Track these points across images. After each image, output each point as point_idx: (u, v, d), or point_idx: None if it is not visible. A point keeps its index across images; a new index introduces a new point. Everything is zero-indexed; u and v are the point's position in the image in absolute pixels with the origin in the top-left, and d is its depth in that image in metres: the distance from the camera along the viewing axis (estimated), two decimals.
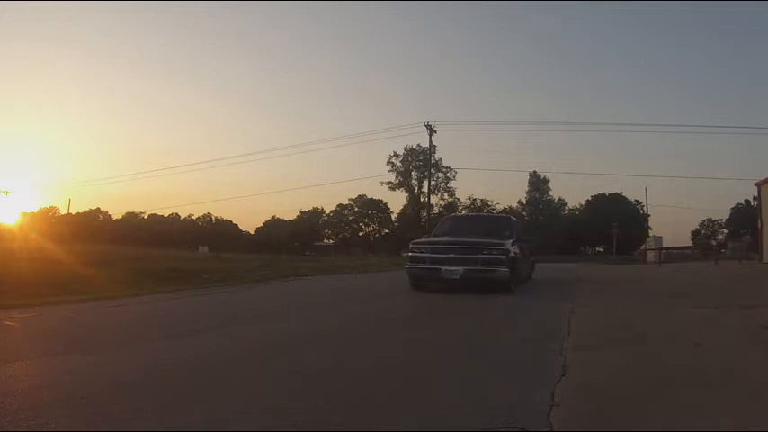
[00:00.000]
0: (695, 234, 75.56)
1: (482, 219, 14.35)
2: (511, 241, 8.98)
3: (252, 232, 76.06)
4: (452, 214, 20.62)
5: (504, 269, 8.20)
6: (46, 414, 2.17)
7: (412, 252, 8.96)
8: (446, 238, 9.29)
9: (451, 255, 8.40)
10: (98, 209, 72.24)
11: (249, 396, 2.51)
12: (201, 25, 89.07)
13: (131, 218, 73.71)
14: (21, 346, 3.84)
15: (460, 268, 8.22)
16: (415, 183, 62.28)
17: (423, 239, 9.62)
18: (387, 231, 70.83)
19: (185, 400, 2.44)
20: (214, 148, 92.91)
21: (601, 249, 62.15)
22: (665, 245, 36.70)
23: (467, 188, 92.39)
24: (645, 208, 57.02)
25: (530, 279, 10.95)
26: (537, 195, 68.09)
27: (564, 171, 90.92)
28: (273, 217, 75.78)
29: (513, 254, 8.65)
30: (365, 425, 2.17)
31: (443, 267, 8.32)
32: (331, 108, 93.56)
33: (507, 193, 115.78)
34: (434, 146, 44.83)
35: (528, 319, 5.91)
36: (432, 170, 53.25)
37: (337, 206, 72.08)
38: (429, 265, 8.55)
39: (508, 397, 2.52)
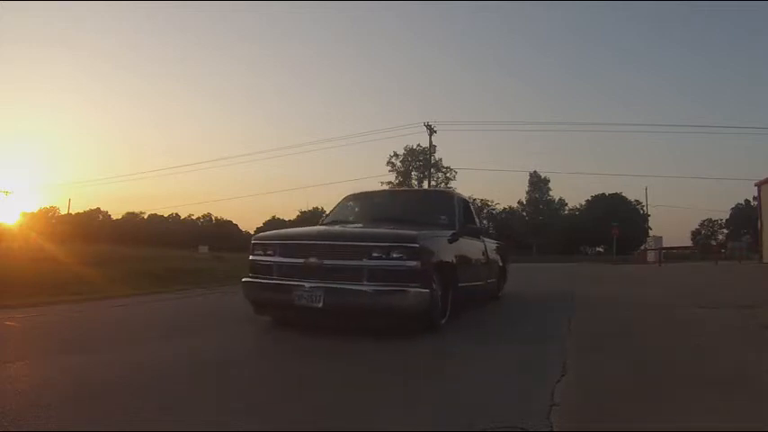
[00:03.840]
0: (695, 234, 75.59)
1: (406, 197, 7.78)
2: (445, 234, 4.98)
3: (252, 232, 76.04)
4: (361, 192, 7.08)
5: (414, 288, 4.05)
6: (46, 414, 2.16)
7: (253, 255, 4.72)
8: (318, 229, 5.23)
9: (313, 259, 4.27)
10: (98, 209, 72.33)
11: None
12: (201, 25, 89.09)
13: (131, 218, 73.72)
14: (21, 346, 3.84)
15: (324, 286, 4.13)
16: (415, 183, 62.26)
17: (271, 232, 5.06)
18: None
19: (187, 403, 2.44)
20: (214, 148, 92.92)
21: (601, 249, 62.10)
22: (665, 245, 36.70)
23: (467, 188, 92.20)
24: (645, 208, 57.04)
25: (496, 296, 7.09)
26: (537, 195, 68.05)
27: (564, 171, 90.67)
28: (273, 217, 75.68)
29: (441, 257, 4.58)
30: None
31: (298, 283, 4.23)
32: (331, 108, 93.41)
33: (507, 193, 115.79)
34: (434, 146, 44.86)
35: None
36: (432, 170, 53.32)
37: None
38: (276, 278, 4.46)
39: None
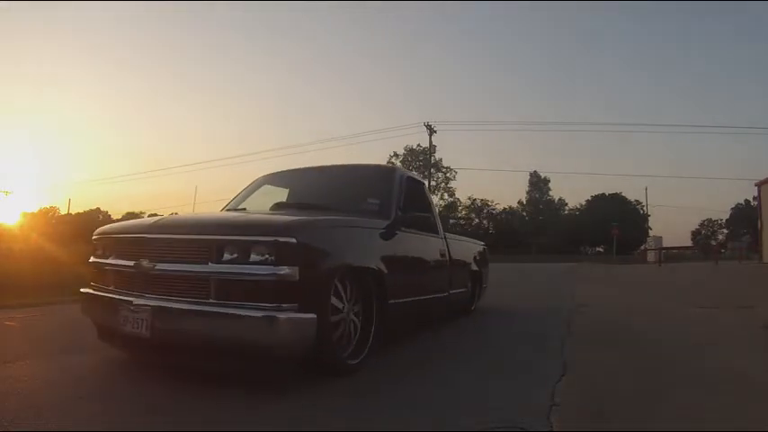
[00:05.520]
0: (695, 234, 75.65)
1: (330, 176, 4.62)
2: (368, 225, 3.46)
3: None
4: (279, 171, 4.83)
5: (287, 312, 2.44)
6: (46, 414, 2.17)
7: (94, 256, 3.26)
8: (157, 218, 3.21)
9: (145, 261, 2.74)
10: (98, 209, 72.27)
11: None
12: (201, 24, 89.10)
13: (131, 218, 73.52)
14: (21, 346, 3.84)
15: (151, 305, 2.62)
16: None
17: (114, 224, 3.49)
18: None
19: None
20: (214, 148, 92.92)
21: (601, 249, 62.17)
22: (664, 245, 36.75)
23: (467, 188, 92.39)
24: (645, 208, 57.08)
25: (468, 310, 5.69)
26: (537, 195, 68.13)
27: (564, 171, 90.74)
28: None
29: (352, 259, 3.01)
30: None
31: (126, 299, 2.76)
32: (331, 108, 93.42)
33: (507, 194, 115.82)
34: (434, 146, 44.90)
35: None
36: (432, 170, 53.34)
37: None
38: (112, 289, 2.97)
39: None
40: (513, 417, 2.20)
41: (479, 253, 6.34)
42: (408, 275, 3.83)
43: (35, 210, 64.70)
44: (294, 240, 2.52)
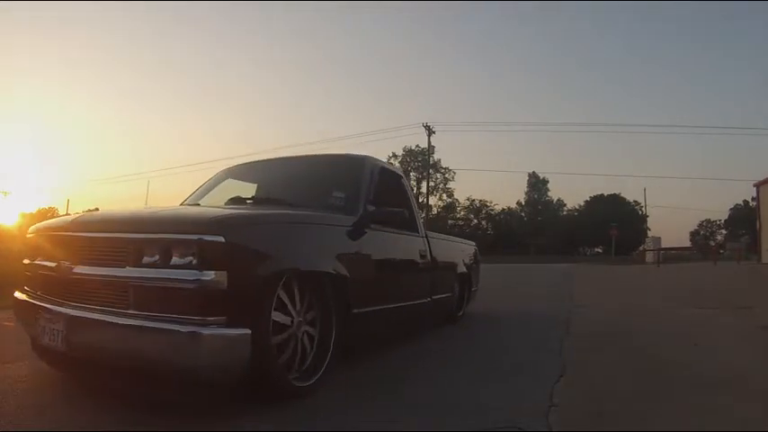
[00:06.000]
0: (694, 235, 75.74)
1: (295, 168, 4.14)
2: (326, 221, 3.02)
3: None
4: (242, 163, 4.40)
5: (212, 328, 2.04)
6: (47, 414, 2.16)
7: (26, 258, 2.87)
8: (101, 215, 2.98)
9: (66, 263, 2.38)
10: (97, 209, 71.86)
11: None
12: (201, 24, 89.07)
13: None
14: (21, 346, 3.83)
15: (66, 313, 2.29)
16: (414, 183, 62.33)
17: (46, 221, 2.90)
18: None
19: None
20: (214, 147, 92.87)
21: (599, 250, 62.24)
22: (663, 245, 36.79)
23: (465, 189, 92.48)
24: (643, 208, 57.14)
25: (455, 317, 5.19)
26: (536, 196, 68.21)
27: (563, 172, 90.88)
28: None
29: (301, 263, 2.55)
30: None
31: (46, 306, 2.43)
32: (329, 108, 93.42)
33: (506, 194, 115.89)
34: (433, 146, 44.91)
35: None
36: (430, 171, 53.35)
37: None
38: (37, 295, 2.62)
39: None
40: (513, 417, 2.20)
41: (468, 253, 5.90)
42: (379, 280, 3.38)
43: (34, 210, 64.64)
44: (222, 239, 2.10)
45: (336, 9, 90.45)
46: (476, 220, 68.45)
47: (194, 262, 2.07)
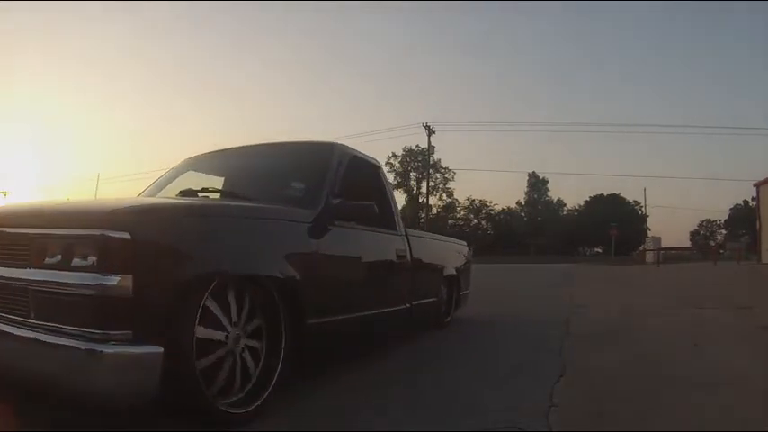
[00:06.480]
0: (694, 235, 75.78)
1: (258, 157, 3.73)
2: (276, 215, 2.60)
3: None
4: (207, 152, 3.91)
5: (114, 346, 1.70)
6: (47, 415, 2.16)
7: None
8: (7, 207, 2.57)
9: None
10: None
11: None
12: (201, 23, 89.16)
13: None
14: None
15: None
16: (414, 183, 62.38)
17: None
18: None
19: None
20: (214, 147, 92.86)
21: (599, 250, 62.28)
22: (663, 245, 36.80)
23: (465, 189, 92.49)
24: (643, 208, 57.19)
25: (441, 323, 4.75)
26: (535, 196, 68.24)
27: (563, 172, 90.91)
28: None
29: (240, 266, 2.19)
30: None
31: None
32: (329, 108, 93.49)
33: (506, 194, 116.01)
34: (433, 146, 44.94)
35: None
36: (430, 171, 53.37)
37: None
38: None
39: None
40: (513, 417, 2.19)
41: (458, 253, 5.46)
42: (344, 285, 2.98)
43: None
44: (128, 236, 1.75)
45: (336, 9, 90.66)
46: (476, 220, 68.49)
47: (96, 263, 1.73)
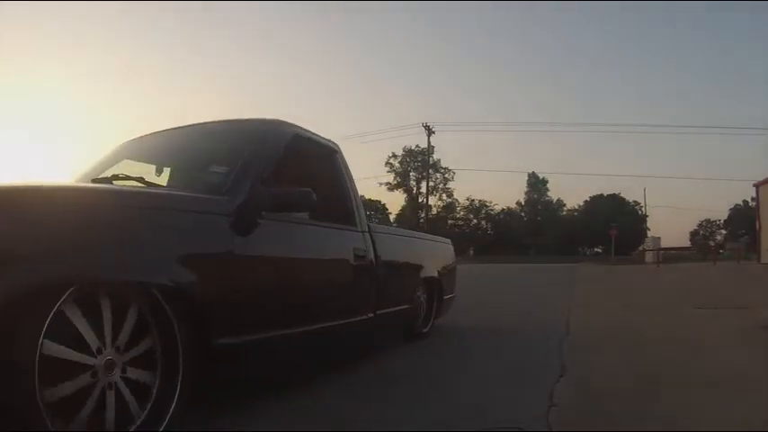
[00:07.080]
0: (693, 235, 75.79)
1: (189, 137, 3.13)
2: (163, 204, 2.02)
3: None
4: (143, 135, 3.32)
5: None
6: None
7: None
8: None
9: None
10: None
11: None
12: (201, 23, 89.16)
13: None
14: None
15: None
16: (414, 183, 62.38)
17: None
18: None
19: None
20: None
21: (599, 250, 62.28)
22: (663, 245, 36.80)
23: (465, 189, 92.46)
24: (643, 208, 57.23)
25: (419, 332, 4.19)
26: (535, 196, 68.26)
27: (563, 172, 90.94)
28: None
29: (96, 270, 1.63)
30: None
31: None
32: (329, 108, 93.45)
33: (506, 194, 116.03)
34: (433, 146, 44.96)
35: None
36: (430, 171, 53.36)
37: None
38: None
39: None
40: (513, 417, 2.18)
41: (440, 253, 4.82)
42: (273, 293, 2.40)
43: None
44: None
45: (337, 8, 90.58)
46: (475, 220, 68.47)
47: None
